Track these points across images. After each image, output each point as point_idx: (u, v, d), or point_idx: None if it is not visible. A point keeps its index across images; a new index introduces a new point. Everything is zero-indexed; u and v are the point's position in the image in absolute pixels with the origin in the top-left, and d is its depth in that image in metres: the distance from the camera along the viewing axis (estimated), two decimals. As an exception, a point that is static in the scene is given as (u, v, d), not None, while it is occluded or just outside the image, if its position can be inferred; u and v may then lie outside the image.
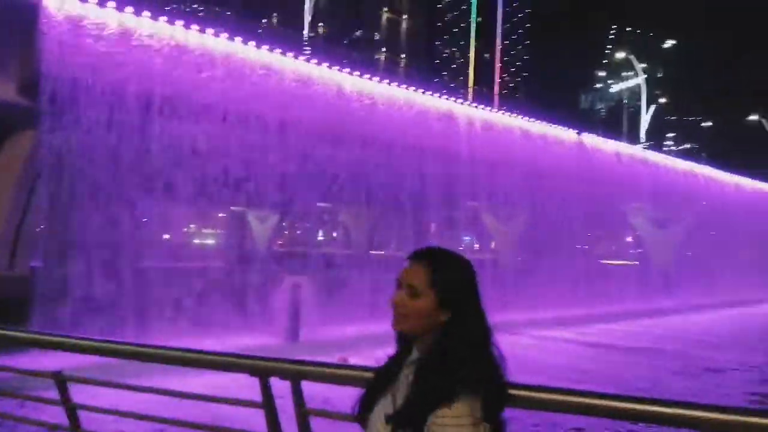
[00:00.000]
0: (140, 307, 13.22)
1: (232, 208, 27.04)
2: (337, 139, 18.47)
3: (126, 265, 14.34)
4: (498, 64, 40.35)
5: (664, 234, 33.37)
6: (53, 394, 2.69)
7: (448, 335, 1.57)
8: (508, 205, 25.72)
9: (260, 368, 2.25)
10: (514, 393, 1.69)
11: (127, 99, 13.92)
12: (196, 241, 35.37)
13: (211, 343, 12.61)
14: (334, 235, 47.20)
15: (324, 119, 17.66)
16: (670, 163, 34.47)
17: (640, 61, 41.53)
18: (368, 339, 14.80)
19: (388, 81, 20.17)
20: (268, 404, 2.23)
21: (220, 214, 32.36)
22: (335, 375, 2.15)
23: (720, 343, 18.34)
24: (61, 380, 2.66)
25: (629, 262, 35.70)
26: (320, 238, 49.56)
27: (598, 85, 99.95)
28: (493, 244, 31.46)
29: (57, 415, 2.69)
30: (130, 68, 13.73)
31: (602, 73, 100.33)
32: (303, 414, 2.17)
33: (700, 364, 14.28)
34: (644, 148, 33.70)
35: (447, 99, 21.84)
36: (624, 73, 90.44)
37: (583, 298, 25.83)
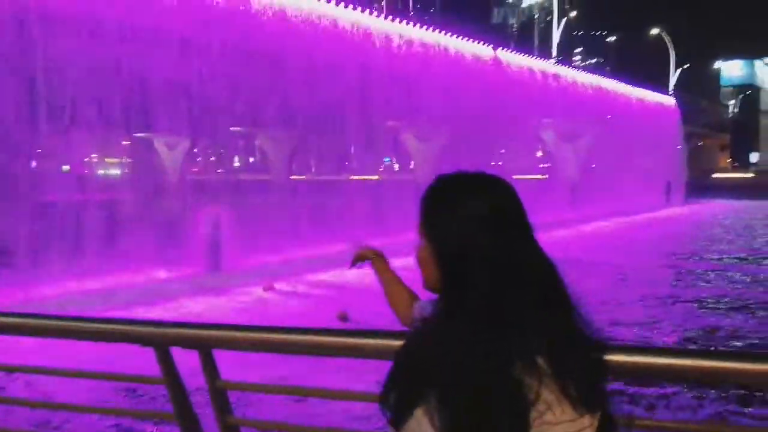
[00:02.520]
0: (42, 245, 12.24)
1: (136, 134, 25.26)
2: (247, 58, 17.37)
3: (23, 200, 13.11)
4: (412, -23, 38.99)
5: (571, 148, 34.91)
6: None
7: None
8: (428, 123, 25.71)
9: (157, 338, 1.81)
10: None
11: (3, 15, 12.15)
12: (100, 171, 33.05)
13: (125, 279, 12.01)
14: (251, 160, 45.70)
15: (232, 36, 16.45)
16: (578, 77, 35.52)
17: (551, -26, 41.51)
18: (291, 265, 14.78)
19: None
20: (170, 379, 1.84)
21: (123, 142, 30.25)
22: (257, 341, 1.73)
23: (623, 247, 19.82)
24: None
25: (539, 176, 37.23)
26: (236, 164, 47.90)
27: (510, 0, 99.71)
28: (412, 164, 31.63)
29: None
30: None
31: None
32: (218, 389, 1.78)
33: (608, 269, 15.34)
34: (555, 63, 34.36)
35: (362, 12, 20.90)
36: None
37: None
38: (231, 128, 27.94)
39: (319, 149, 30.23)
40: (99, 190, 20.59)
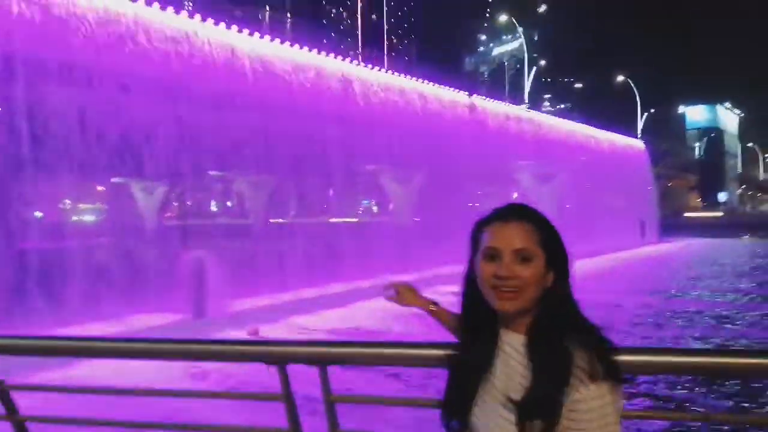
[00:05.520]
0: (20, 294, 11.92)
1: (113, 180, 25.06)
2: (226, 104, 17.56)
3: (5, 246, 12.82)
4: (386, 27, 40.19)
5: (546, 189, 35.64)
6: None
7: (560, 301, 1.41)
8: (406, 167, 26.09)
9: (278, 355, 1.98)
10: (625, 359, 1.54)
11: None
12: (74, 218, 32.47)
13: (107, 327, 11.71)
14: (229, 204, 45.44)
15: (212, 82, 16.68)
16: (551, 121, 36.62)
17: (518, 25, 43.24)
18: (277, 309, 14.61)
19: (279, 40, 19.36)
20: (287, 396, 1.98)
21: (99, 188, 29.91)
22: (371, 355, 1.93)
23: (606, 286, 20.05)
24: (3, 390, 2.20)
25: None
26: (214, 208, 47.54)
27: (480, 48, 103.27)
28: (391, 206, 31.88)
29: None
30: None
31: (484, 37, 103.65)
32: (331, 402, 1.94)
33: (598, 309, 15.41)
34: (527, 108, 35.42)
35: (342, 60, 21.44)
36: (504, 37, 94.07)
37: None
38: (209, 173, 27.94)
39: (299, 193, 30.32)
40: (73, 237, 20.23)
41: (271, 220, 27.34)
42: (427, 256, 23.77)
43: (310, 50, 20.04)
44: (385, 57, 30.40)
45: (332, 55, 20.78)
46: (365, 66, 22.91)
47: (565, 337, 1.35)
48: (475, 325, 1.47)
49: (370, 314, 14.33)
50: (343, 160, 22.46)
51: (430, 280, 20.91)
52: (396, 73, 24.40)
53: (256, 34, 18.36)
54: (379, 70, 23.38)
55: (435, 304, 1.85)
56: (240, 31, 17.78)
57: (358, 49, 33.67)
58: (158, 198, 26.15)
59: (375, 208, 35.27)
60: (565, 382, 1.28)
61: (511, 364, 1.39)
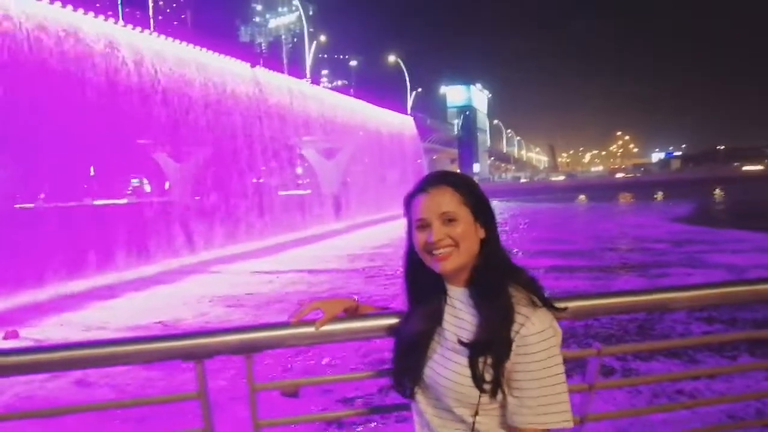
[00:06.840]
0: None
1: None
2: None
3: None
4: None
5: (331, 164, 36.48)
6: None
7: (493, 249, 1.50)
8: (184, 141, 24.16)
9: (199, 348, 1.72)
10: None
11: None
12: None
13: None
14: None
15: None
16: (333, 98, 37.28)
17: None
18: (35, 306, 12.44)
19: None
20: (203, 393, 1.77)
21: None
22: (309, 335, 1.74)
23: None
24: None
25: (303, 192, 38.02)
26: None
27: (256, 19, 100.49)
28: (167, 185, 29.38)
29: None
30: None
31: (259, 7, 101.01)
32: (254, 391, 1.82)
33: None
34: (309, 83, 35.50)
35: (105, 20, 18.73)
36: (280, 9, 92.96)
37: (265, 229, 26.65)
38: None
39: (51, 172, 26.11)
40: None
41: (18, 206, 23.09)
42: (209, 237, 22.48)
43: (71, 9, 17.07)
44: (152, 20, 27.54)
45: (91, 14, 17.99)
46: (132, 28, 20.39)
47: (502, 279, 1.46)
48: (422, 293, 1.55)
49: (151, 304, 13.01)
50: (107, 134, 19.80)
51: (212, 262, 19.90)
52: (169, 39, 22.21)
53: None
54: (151, 34, 21.03)
55: (354, 299, 1.84)
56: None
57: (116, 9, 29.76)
58: None
59: (147, 187, 32.09)
60: (510, 318, 1.40)
61: (460, 315, 1.49)
